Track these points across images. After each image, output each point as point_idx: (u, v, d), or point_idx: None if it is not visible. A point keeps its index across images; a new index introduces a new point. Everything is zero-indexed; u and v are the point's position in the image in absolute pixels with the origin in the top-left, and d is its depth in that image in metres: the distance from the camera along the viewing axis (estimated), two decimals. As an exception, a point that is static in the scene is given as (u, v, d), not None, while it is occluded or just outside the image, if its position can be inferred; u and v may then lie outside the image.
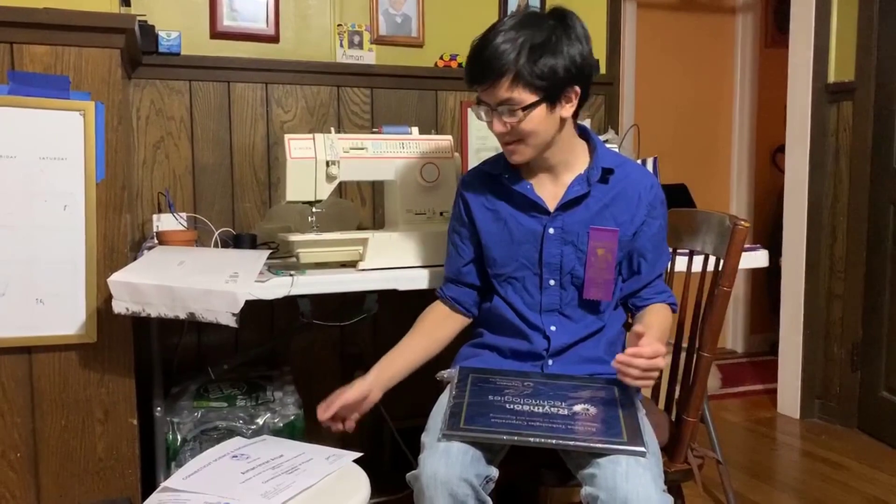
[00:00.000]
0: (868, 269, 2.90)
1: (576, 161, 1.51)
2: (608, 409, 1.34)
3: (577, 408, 1.33)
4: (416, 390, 2.46)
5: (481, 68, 1.37)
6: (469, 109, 2.45)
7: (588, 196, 1.48)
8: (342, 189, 2.37)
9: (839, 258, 3.03)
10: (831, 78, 3.01)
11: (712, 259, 1.55)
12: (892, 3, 2.76)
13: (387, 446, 2.42)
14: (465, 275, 1.59)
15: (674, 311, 1.55)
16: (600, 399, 1.37)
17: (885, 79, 2.80)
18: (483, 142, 2.52)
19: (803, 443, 2.94)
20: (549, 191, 1.51)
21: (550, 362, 1.50)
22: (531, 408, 1.33)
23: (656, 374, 1.31)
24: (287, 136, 1.74)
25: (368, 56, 2.40)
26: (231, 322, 1.54)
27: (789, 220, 3.15)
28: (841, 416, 3.02)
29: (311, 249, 1.72)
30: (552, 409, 1.33)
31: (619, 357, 1.28)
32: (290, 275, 1.65)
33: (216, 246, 1.95)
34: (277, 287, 1.62)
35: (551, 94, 1.39)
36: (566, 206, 1.48)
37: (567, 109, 1.43)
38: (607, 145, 1.71)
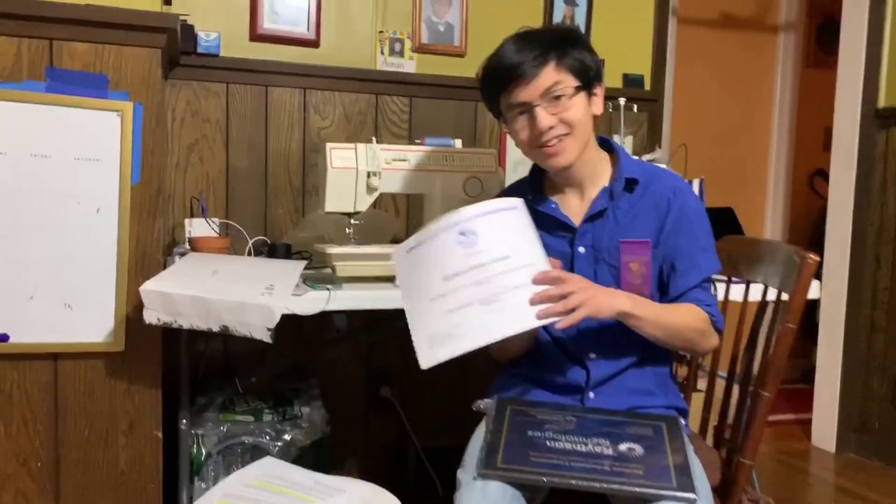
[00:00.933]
0: (913, 301, 2.80)
1: (600, 174, 1.46)
2: (656, 449, 1.26)
3: (623, 447, 1.25)
4: (443, 409, 2.41)
5: (520, 62, 1.34)
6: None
7: (615, 208, 1.42)
8: (376, 199, 2.31)
9: (883, 289, 2.93)
10: (881, 102, 2.91)
11: (771, 291, 1.48)
12: (949, 28, 2.67)
13: (412, 466, 2.35)
14: None
15: (716, 327, 1.43)
16: (647, 437, 1.29)
17: (939, 105, 2.71)
18: (522, 156, 2.44)
19: (839, 478, 2.84)
20: (574, 208, 1.46)
21: (591, 395, 1.43)
22: (573, 445, 1.25)
23: (574, 296, 1.24)
24: (329, 145, 1.69)
25: (409, 64, 2.34)
26: (266, 337, 1.47)
27: (831, 247, 3.05)
28: (879, 453, 2.92)
29: (348, 262, 1.66)
30: (596, 447, 1.25)
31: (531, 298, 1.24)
32: (328, 289, 1.58)
33: (249, 255, 1.89)
34: (314, 301, 1.56)
35: (586, 83, 1.38)
36: (592, 218, 1.42)
37: (597, 105, 1.41)
38: (656, 164, 1.64)
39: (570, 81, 1.35)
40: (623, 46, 2.65)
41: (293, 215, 2.26)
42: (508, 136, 2.48)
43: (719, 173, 3.95)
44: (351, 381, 2.33)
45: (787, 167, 4.15)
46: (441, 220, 1.28)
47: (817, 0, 4.04)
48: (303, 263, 1.71)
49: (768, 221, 4.21)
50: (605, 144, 1.50)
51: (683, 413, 1.47)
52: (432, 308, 1.24)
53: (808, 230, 4.19)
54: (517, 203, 1.31)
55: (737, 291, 1.62)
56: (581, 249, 1.42)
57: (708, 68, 3.96)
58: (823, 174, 4.13)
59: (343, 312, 1.62)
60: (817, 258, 1.32)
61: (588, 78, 1.38)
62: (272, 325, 1.47)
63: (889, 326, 2.90)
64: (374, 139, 1.75)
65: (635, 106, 2.35)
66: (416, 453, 2.34)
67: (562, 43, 1.37)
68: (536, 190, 1.48)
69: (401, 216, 2.37)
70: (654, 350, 1.44)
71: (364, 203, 1.71)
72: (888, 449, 2.88)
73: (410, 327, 1.26)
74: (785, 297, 1.39)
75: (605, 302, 1.28)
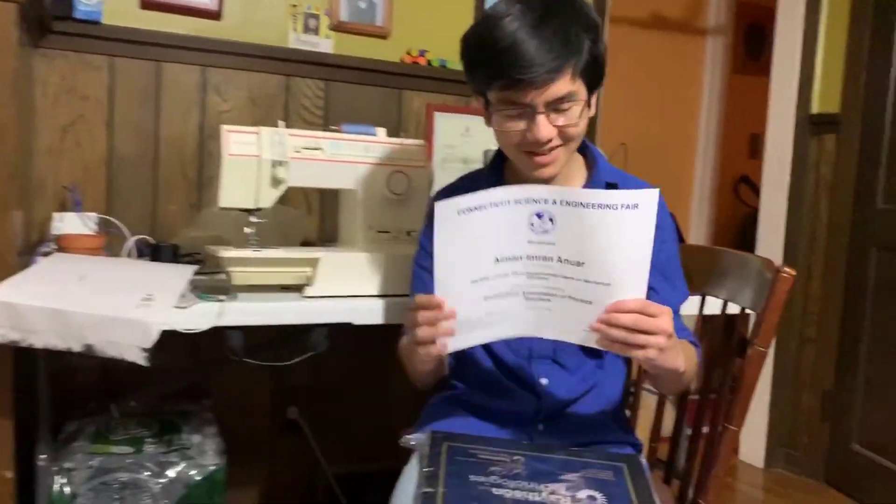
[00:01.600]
0: (844, 313, 2.73)
1: (574, 176, 1.26)
2: (618, 496, 1.06)
3: (582, 495, 1.05)
4: (357, 432, 2.17)
5: (536, 62, 1.06)
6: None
7: None
8: (285, 193, 2.04)
9: (814, 300, 2.85)
10: (815, 109, 2.84)
11: (732, 307, 1.30)
12: (883, 31, 2.61)
13: (321, 495, 2.10)
14: None
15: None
16: (608, 482, 1.09)
17: (873, 112, 2.64)
18: (450, 151, 2.23)
19: (767, 495, 2.74)
20: None
21: (541, 427, 1.22)
22: (525, 494, 1.04)
23: (656, 340, 1.01)
24: (225, 128, 1.42)
25: (325, 44, 2.09)
26: (140, 359, 1.20)
27: (764, 256, 2.95)
28: (808, 468, 2.84)
29: (246, 269, 1.40)
30: (551, 496, 1.04)
31: (600, 318, 1.02)
32: (219, 300, 1.32)
33: (130, 257, 1.60)
34: (202, 315, 1.29)
35: (593, 88, 1.15)
36: None
37: (592, 109, 1.18)
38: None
39: (583, 93, 1.13)
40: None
41: (188, 212, 1.97)
42: (436, 129, 2.27)
43: (642, 176, 3.85)
44: (252, 402, 2.05)
45: (712, 173, 4.09)
46: (517, 188, 1.03)
47: (745, 4, 3.99)
48: (191, 268, 1.43)
49: (693, 227, 4.13)
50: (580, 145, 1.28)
51: (639, 448, 1.28)
52: (470, 291, 1.05)
53: (732, 237, 4.14)
54: (643, 199, 0.99)
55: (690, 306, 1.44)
56: None
57: (638, 69, 3.84)
58: (748, 181, 4.10)
59: (239, 329, 1.34)
60: (793, 272, 1.15)
61: (599, 82, 1.17)
62: (148, 344, 1.19)
63: (819, 339, 2.82)
64: (282, 123, 1.48)
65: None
66: (327, 481, 2.09)
67: (584, 37, 1.10)
68: (494, 183, 1.25)
69: (314, 214, 2.11)
70: (608, 374, 1.25)
71: (268, 198, 1.45)
72: (817, 465, 2.81)
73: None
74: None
75: (671, 360, 1.06)
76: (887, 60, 2.59)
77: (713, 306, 1.40)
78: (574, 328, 1.04)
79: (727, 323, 1.33)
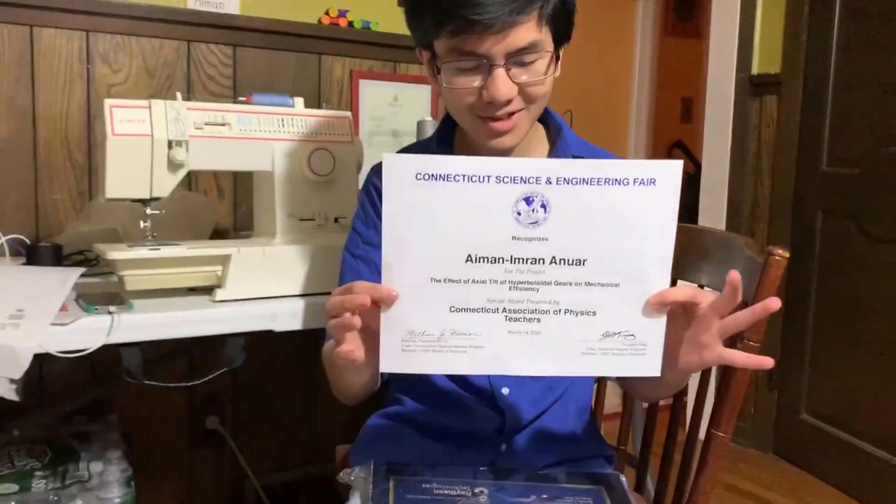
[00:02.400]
0: (790, 279, 2.65)
1: (535, 148, 1.08)
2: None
3: (560, 531, 0.88)
4: (286, 439, 1.96)
5: (494, 1, 0.86)
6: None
7: None
8: (190, 176, 1.80)
9: (758, 267, 2.77)
10: (755, 69, 2.73)
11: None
12: (824, -10, 2.51)
13: (249, 507, 1.89)
14: None
15: None
16: (586, 510, 0.92)
17: (815, 71, 2.55)
18: (378, 123, 2.01)
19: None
20: None
21: (504, 447, 1.04)
22: (491, 534, 0.86)
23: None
24: (109, 103, 1.17)
25: (230, 4, 1.83)
26: (10, 393, 0.97)
27: (704, 223, 2.86)
28: (756, 440, 2.77)
29: (142, 271, 1.17)
30: (522, 534, 0.86)
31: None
32: (109, 312, 1.09)
33: (2, 260, 1.34)
34: (87, 333, 1.05)
35: (560, 42, 0.96)
36: None
37: (558, 67, 0.98)
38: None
39: (549, 44, 0.93)
40: None
41: (77, 201, 1.70)
42: (361, 99, 2.05)
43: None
44: (166, 413, 1.82)
45: (646, 138, 3.99)
46: (501, 161, 0.79)
47: (676, -36, 3.88)
48: (76, 273, 1.19)
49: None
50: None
51: (611, 460, 1.13)
52: (431, 292, 0.80)
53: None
54: (663, 173, 0.77)
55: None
56: None
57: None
58: (682, 146, 4.02)
59: (135, 346, 1.12)
60: (786, 254, 1.00)
61: (566, 36, 0.98)
62: (17, 374, 0.96)
63: (765, 307, 2.74)
64: (179, 95, 1.24)
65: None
66: (255, 493, 1.88)
67: None
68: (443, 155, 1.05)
69: (226, 200, 1.87)
70: (576, 380, 1.08)
71: (165, 186, 1.21)
72: (765, 436, 2.75)
73: (382, 306, 0.80)
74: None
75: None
76: (829, 17, 2.49)
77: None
78: (571, 353, 0.81)
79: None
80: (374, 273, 1.02)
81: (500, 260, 0.79)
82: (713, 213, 2.83)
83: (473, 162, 0.78)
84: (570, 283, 0.80)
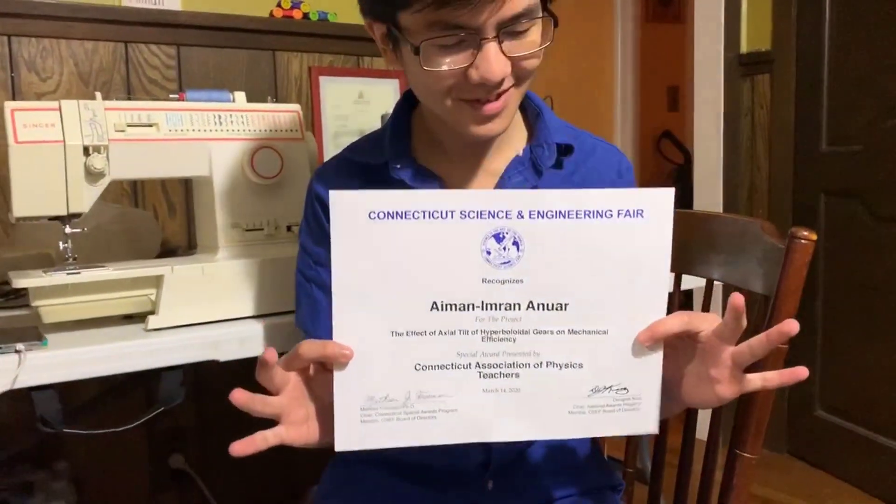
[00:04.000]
0: (794, 268, 2.50)
1: (510, 136, 0.90)
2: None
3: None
4: (257, 475, 1.79)
5: None
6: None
7: (540, 188, 0.88)
8: (137, 190, 1.63)
9: (760, 256, 2.62)
10: (744, 48, 2.58)
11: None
12: (812, -41, 2.37)
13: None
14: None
15: None
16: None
17: (808, 46, 2.40)
18: (343, 122, 1.84)
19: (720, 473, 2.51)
20: (468, 186, 0.89)
21: (491, 484, 0.87)
22: None
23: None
24: (9, 106, 1.01)
25: (171, 0, 1.67)
26: None
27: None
28: (769, 440, 2.61)
29: (59, 300, 1.00)
30: None
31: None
32: (16, 350, 0.91)
33: None
34: (-13, 377, 0.88)
35: (546, 4, 0.79)
36: None
37: (552, 35, 0.81)
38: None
39: (540, 6, 0.78)
40: None
41: (6, 223, 1.53)
42: (323, 97, 1.88)
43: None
44: (123, 455, 1.64)
45: (633, 129, 3.84)
46: (464, 194, 0.69)
47: (653, -53, 3.74)
48: (-17, 306, 1.02)
49: (617, 190, 3.89)
50: None
51: (619, 489, 0.96)
52: (393, 348, 0.68)
53: (658, 197, 3.93)
54: (650, 203, 0.67)
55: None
56: None
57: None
58: (670, 136, 3.88)
59: (50, 388, 0.94)
60: (813, 237, 0.84)
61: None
62: None
63: (769, 298, 2.59)
64: (98, 95, 1.08)
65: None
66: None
67: None
68: (402, 151, 0.89)
69: (178, 214, 1.70)
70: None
71: (84, 200, 1.04)
72: (777, 435, 2.59)
73: (336, 368, 0.67)
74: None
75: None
76: (820, -13, 2.35)
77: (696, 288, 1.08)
78: (556, 413, 0.69)
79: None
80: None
81: (470, 307, 0.68)
82: (708, 204, 2.68)
83: (433, 196, 0.68)
84: (552, 332, 0.69)
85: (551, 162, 0.87)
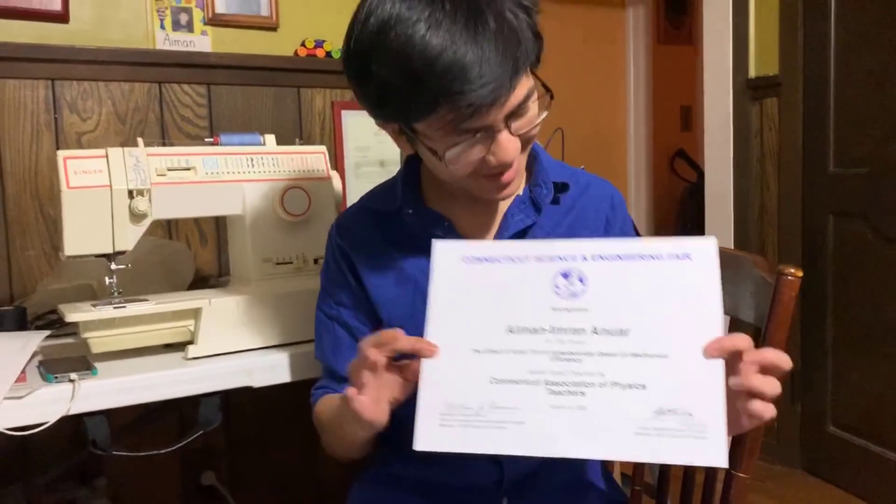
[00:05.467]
0: (805, 287, 2.53)
1: None
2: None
3: None
4: (288, 493, 1.86)
5: (491, 72, 0.76)
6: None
7: (535, 227, 0.96)
8: (171, 222, 1.72)
9: (771, 275, 2.67)
10: (752, 72, 2.65)
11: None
12: (817, -14, 2.43)
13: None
14: None
15: None
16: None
17: (815, 70, 2.46)
18: (364, 154, 1.94)
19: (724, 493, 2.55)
20: (475, 226, 0.97)
21: (506, 501, 0.95)
22: None
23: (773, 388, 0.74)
24: (62, 155, 1.10)
25: (202, 41, 1.77)
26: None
27: (712, 234, 2.76)
28: (782, 456, 2.65)
29: (106, 332, 1.09)
30: None
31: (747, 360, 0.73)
32: (70, 380, 1.00)
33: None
34: (46, 405, 0.97)
35: (535, 67, 0.87)
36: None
37: (549, 102, 0.90)
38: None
39: (533, 82, 0.85)
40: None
41: (51, 257, 1.63)
42: (345, 130, 1.97)
43: (576, 160, 3.63)
44: (158, 472, 1.73)
45: (646, 149, 3.91)
46: (538, 243, 0.84)
47: (664, -29, 3.82)
48: (39, 337, 1.11)
49: (632, 205, 3.95)
50: None
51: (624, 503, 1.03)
52: (472, 363, 0.78)
53: (672, 213, 3.98)
54: (696, 249, 0.77)
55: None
56: None
57: (557, 48, 3.61)
58: (684, 155, 3.94)
59: (101, 414, 1.03)
60: (799, 273, 0.91)
61: (539, 59, 0.88)
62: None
63: (780, 316, 2.64)
64: (140, 141, 1.17)
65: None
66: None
67: (521, 16, 0.81)
68: (412, 198, 0.97)
69: (209, 245, 1.79)
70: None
71: (129, 238, 1.13)
72: (791, 451, 2.63)
73: (421, 376, 0.79)
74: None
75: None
76: (825, 13, 2.41)
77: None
78: (622, 432, 0.73)
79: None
80: (353, 339, 0.98)
81: (541, 330, 0.78)
82: (720, 223, 2.73)
83: (513, 245, 0.84)
84: (615, 354, 0.76)
85: (549, 199, 0.96)
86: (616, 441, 0.73)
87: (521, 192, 0.97)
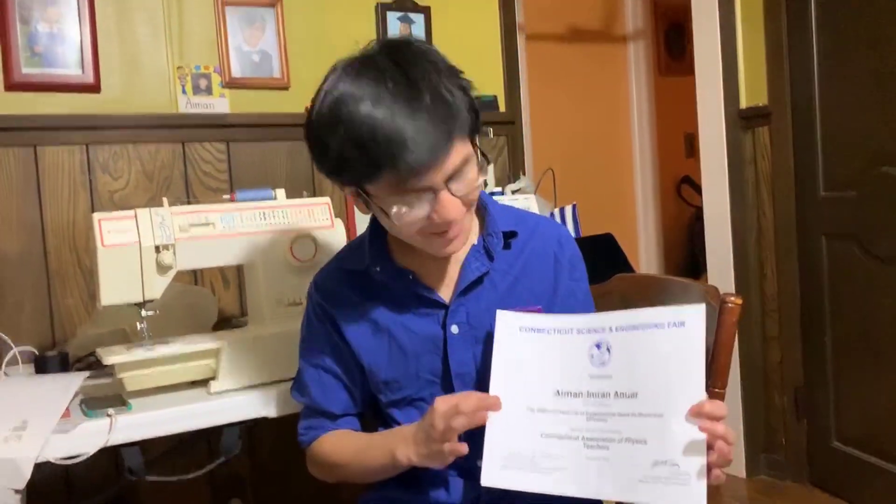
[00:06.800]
0: (803, 306, 2.64)
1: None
2: None
3: None
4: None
5: (427, 140, 0.90)
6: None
7: (490, 272, 1.09)
8: (194, 269, 1.88)
9: (771, 296, 2.76)
10: (743, 103, 2.77)
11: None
12: (798, 17, 2.55)
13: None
14: (358, 404, 1.15)
15: None
16: None
17: (801, 100, 2.58)
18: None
19: (755, 507, 2.62)
20: (437, 276, 1.10)
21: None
22: None
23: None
24: (97, 217, 1.26)
25: (220, 103, 1.94)
26: (14, 503, 1.03)
27: (713, 258, 2.87)
28: (791, 471, 2.72)
29: (139, 372, 1.24)
30: None
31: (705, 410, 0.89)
32: (108, 415, 1.15)
33: (13, 370, 1.42)
34: (87, 437, 1.12)
35: (474, 137, 1.01)
36: (467, 290, 1.08)
37: (486, 168, 1.04)
38: (522, 195, 1.31)
39: (472, 150, 0.99)
40: (469, 66, 2.34)
41: (88, 304, 1.79)
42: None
43: (585, 192, 3.75)
44: (191, 499, 1.87)
45: (652, 177, 4.02)
46: (581, 317, 0.99)
47: (662, 6, 3.96)
48: (78, 379, 1.26)
49: (641, 232, 4.05)
50: None
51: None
52: (527, 419, 0.96)
53: (682, 240, 4.07)
54: (687, 316, 0.92)
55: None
56: (454, 329, 1.07)
57: (561, 85, 3.77)
58: (690, 181, 4.04)
59: (136, 445, 1.18)
60: (739, 301, 1.03)
61: (478, 128, 1.02)
62: (20, 484, 1.02)
63: (782, 335, 2.73)
64: (165, 201, 1.33)
65: (490, 130, 2.03)
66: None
67: (456, 91, 0.96)
68: (379, 254, 1.10)
69: (231, 287, 1.95)
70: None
71: (156, 288, 1.29)
72: (798, 466, 2.70)
73: (488, 427, 0.95)
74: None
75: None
76: (808, 46, 2.53)
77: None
78: (630, 479, 0.89)
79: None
80: (339, 382, 1.12)
81: (581, 394, 0.95)
82: (719, 247, 2.83)
83: (561, 319, 0.99)
84: (628, 415, 0.92)
85: (500, 247, 1.09)
86: (626, 486, 0.89)
87: (475, 241, 1.09)
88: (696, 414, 0.87)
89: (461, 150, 0.96)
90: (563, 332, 0.97)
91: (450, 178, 0.95)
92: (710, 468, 0.88)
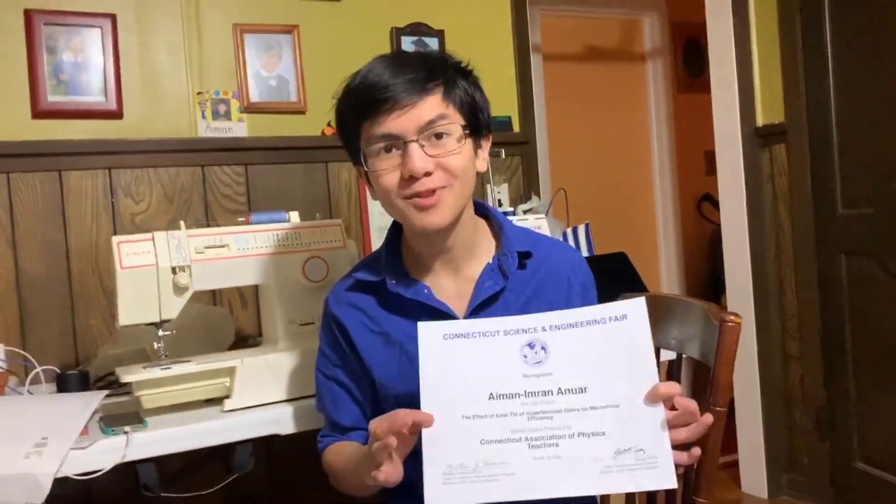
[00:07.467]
0: (824, 325, 2.62)
1: (479, 247, 1.15)
2: None
3: None
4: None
5: (394, 81, 1.02)
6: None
7: (505, 290, 1.11)
8: (212, 290, 1.92)
9: (790, 315, 2.74)
10: (760, 121, 2.77)
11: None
12: (814, 35, 2.56)
13: None
14: (368, 418, 1.16)
15: None
16: None
17: (817, 117, 2.57)
18: (387, 218, 2.11)
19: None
20: (451, 291, 1.12)
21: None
22: None
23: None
24: (116, 240, 1.30)
25: (238, 128, 1.99)
26: (33, 517, 1.06)
27: (732, 277, 2.86)
28: (813, 492, 2.69)
29: (155, 390, 1.27)
30: None
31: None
32: (125, 432, 1.18)
33: (38, 388, 1.46)
34: (104, 453, 1.15)
35: (476, 129, 1.08)
36: (480, 307, 1.10)
37: (482, 162, 1.11)
38: (533, 215, 1.33)
39: (458, 119, 1.05)
40: (484, 88, 2.38)
41: (110, 324, 1.84)
42: (370, 198, 2.16)
43: (605, 211, 3.77)
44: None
45: (673, 196, 4.01)
46: (506, 319, 0.99)
47: (680, 24, 3.97)
48: (98, 397, 1.30)
49: (662, 251, 4.04)
50: (480, 209, 1.18)
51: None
52: (463, 428, 0.93)
53: (703, 259, 4.05)
54: (631, 309, 0.95)
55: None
56: None
57: (580, 104, 3.79)
58: (710, 199, 4.03)
59: (151, 461, 1.21)
60: (739, 319, 1.04)
61: (479, 123, 1.10)
62: (40, 499, 1.06)
63: (803, 354, 2.70)
64: (182, 224, 1.37)
65: (503, 151, 2.05)
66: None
67: (452, 70, 1.08)
68: (395, 268, 1.13)
69: (249, 307, 1.99)
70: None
71: (173, 308, 1.32)
72: (821, 487, 2.66)
73: (423, 443, 0.93)
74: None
75: None
76: (823, 61, 2.53)
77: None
78: (590, 473, 0.90)
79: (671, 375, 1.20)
80: (350, 395, 1.15)
81: (516, 395, 0.93)
82: (738, 266, 2.82)
83: (485, 322, 0.99)
84: (578, 409, 0.92)
85: (515, 267, 1.11)
86: (587, 480, 0.89)
87: (490, 260, 1.12)
88: (653, 397, 0.90)
89: (438, 106, 1.03)
90: (489, 335, 0.96)
91: (422, 132, 1.02)
92: (686, 445, 0.91)
